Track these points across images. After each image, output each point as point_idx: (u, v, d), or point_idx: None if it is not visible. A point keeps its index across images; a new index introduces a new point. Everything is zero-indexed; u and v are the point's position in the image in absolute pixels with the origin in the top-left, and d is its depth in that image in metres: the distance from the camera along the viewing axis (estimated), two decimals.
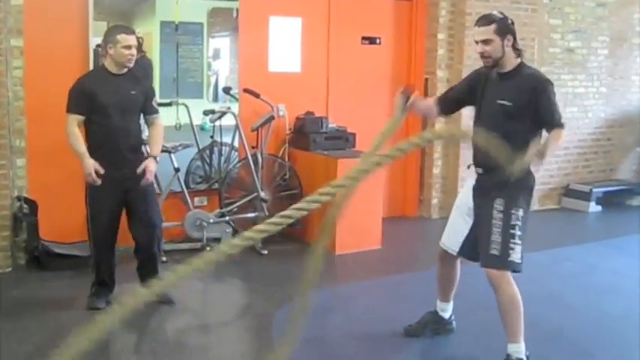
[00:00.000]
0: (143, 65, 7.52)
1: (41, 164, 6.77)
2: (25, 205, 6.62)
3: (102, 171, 5.30)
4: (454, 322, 5.28)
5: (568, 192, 10.22)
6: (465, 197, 4.84)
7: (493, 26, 4.47)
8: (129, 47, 5.34)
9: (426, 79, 9.13)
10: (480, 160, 4.63)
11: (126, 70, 5.45)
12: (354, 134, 8.04)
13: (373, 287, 6.55)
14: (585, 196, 10.00)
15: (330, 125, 8.03)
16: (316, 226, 7.63)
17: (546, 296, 6.19)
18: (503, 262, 4.48)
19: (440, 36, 8.97)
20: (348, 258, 7.29)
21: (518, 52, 4.55)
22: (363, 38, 8.81)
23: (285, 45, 8.13)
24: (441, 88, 8.94)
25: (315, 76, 8.36)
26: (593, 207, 9.96)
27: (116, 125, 5.38)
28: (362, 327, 5.50)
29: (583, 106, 10.31)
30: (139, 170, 5.42)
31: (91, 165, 5.28)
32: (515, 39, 4.52)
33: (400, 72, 9.14)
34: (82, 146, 5.33)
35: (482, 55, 4.54)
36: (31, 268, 6.56)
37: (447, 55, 9.06)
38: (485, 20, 4.54)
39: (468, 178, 4.97)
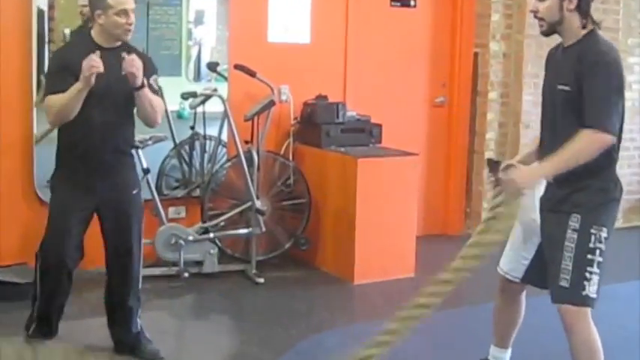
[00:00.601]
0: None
1: None
2: None
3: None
4: None
5: None
6: (528, 209, 4.79)
7: None
8: (125, 13, 5.09)
9: (476, 54, 9.11)
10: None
11: (119, 43, 5.24)
12: (379, 126, 8.03)
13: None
14: None
15: (349, 114, 8.02)
16: (328, 246, 7.65)
17: (632, 341, 6.14)
18: (575, 296, 4.43)
19: None
20: (371, 289, 7.28)
21: (587, 19, 4.49)
22: None
23: (291, 8, 8.13)
24: (495, 66, 8.95)
25: (329, 48, 8.36)
26: None
27: (98, 119, 5.18)
28: None
29: None
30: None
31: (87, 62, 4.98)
32: (582, 2, 4.46)
33: (441, 44, 9.13)
34: (63, 94, 5.03)
35: (535, 16, 4.54)
36: None
37: (503, 21, 9.04)
38: None
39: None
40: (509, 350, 5.17)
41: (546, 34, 4.54)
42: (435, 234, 8.98)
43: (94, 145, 5.22)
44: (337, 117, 7.89)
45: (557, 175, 4.52)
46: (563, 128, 4.41)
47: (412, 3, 8.85)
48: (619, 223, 9.45)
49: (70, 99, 4.99)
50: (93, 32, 5.22)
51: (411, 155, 7.72)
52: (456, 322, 6.55)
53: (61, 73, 5.11)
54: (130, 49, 5.26)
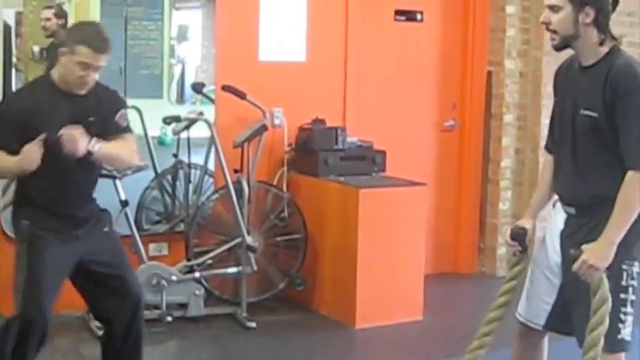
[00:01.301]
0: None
1: None
2: None
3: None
4: None
5: None
6: (547, 248, 4.76)
7: None
8: (86, 67, 4.99)
9: (489, 73, 9.12)
10: (570, 193, 4.58)
11: (86, 90, 5.17)
12: (383, 152, 8.03)
13: None
14: None
15: (349, 139, 8.02)
16: (326, 286, 7.63)
17: None
18: (611, 341, 4.36)
19: (509, 9, 8.98)
20: (373, 333, 7.27)
21: (606, 35, 4.44)
22: (398, 12, 8.83)
23: (284, 22, 8.13)
24: (510, 86, 8.95)
25: (327, 67, 8.36)
26: None
27: (65, 176, 5.15)
28: None
29: None
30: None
31: (28, 150, 4.96)
32: (599, 15, 4.43)
33: (451, 62, 9.15)
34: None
35: (547, 28, 4.49)
36: None
37: (519, 37, 9.06)
38: None
39: (550, 219, 4.86)
40: None
41: (558, 48, 4.50)
42: (445, 272, 8.98)
43: (66, 190, 5.21)
44: (336, 143, 7.88)
45: (580, 210, 4.50)
46: (585, 157, 4.40)
47: (419, 17, 8.88)
48: None
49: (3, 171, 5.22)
50: (55, 75, 5.15)
51: (418, 185, 7.71)
52: None
53: (6, 125, 5.06)
54: (96, 92, 5.27)
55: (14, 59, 7.30)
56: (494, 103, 9.13)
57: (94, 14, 7.54)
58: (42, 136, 4.96)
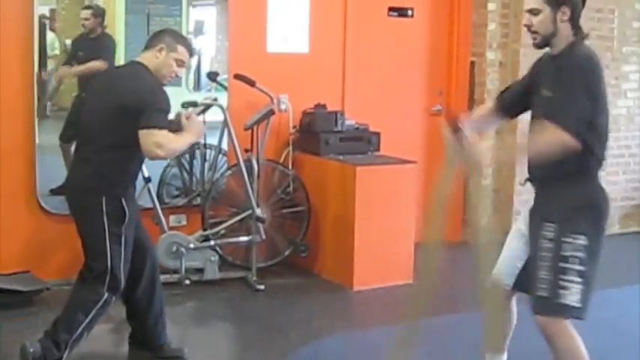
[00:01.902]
0: (102, 45, 7.56)
1: None
2: None
3: None
4: None
5: None
6: (523, 219, 4.82)
7: None
8: (181, 64, 5.36)
9: (472, 63, 9.14)
10: (533, 171, 4.65)
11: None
12: (378, 134, 8.05)
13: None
14: None
15: (348, 122, 8.05)
16: (327, 253, 7.67)
17: (632, 346, 6.15)
18: (552, 305, 4.41)
19: (491, 6, 8.98)
20: (369, 295, 7.29)
21: (577, 30, 4.52)
22: (391, 9, 8.80)
23: (289, 18, 8.15)
24: (491, 75, 8.97)
25: (327, 58, 8.38)
26: None
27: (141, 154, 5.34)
28: None
29: None
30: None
31: (197, 121, 5.43)
32: (574, 13, 4.50)
33: (438, 53, 9.16)
34: (180, 137, 5.23)
35: (528, 29, 4.55)
36: None
37: (499, 31, 9.06)
38: None
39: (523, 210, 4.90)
40: (505, 355, 5.10)
41: (540, 46, 4.56)
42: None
43: (138, 172, 5.55)
44: (336, 125, 7.91)
45: (538, 186, 4.56)
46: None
47: (409, 13, 8.86)
48: (615, 229, 9.53)
49: (184, 147, 5.45)
50: (148, 64, 5.27)
51: (409, 163, 7.73)
52: (452, 328, 6.56)
53: (168, 110, 5.18)
54: None
55: (49, 51, 7.32)
56: (477, 90, 9.14)
57: (120, 11, 7.55)
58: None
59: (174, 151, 5.28)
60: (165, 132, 5.03)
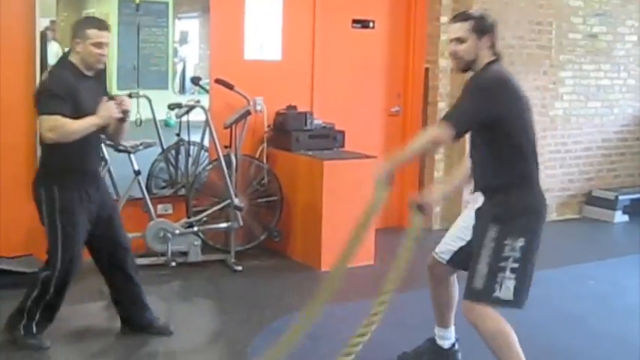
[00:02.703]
0: None
1: None
2: None
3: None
4: (458, 353, 5.18)
5: (591, 199, 10.27)
6: (466, 216, 4.81)
7: (469, 23, 4.46)
8: (99, 45, 5.09)
9: (427, 69, 9.16)
10: (477, 182, 4.67)
11: (93, 72, 5.26)
12: (342, 132, 8.07)
13: (364, 309, 6.52)
14: (610, 205, 10.06)
15: (316, 122, 8.06)
16: (298, 238, 7.68)
17: (565, 319, 6.21)
18: (484, 296, 4.43)
19: (443, 19, 8.97)
20: None
21: (496, 56, 4.52)
22: (354, 21, 8.84)
23: (264, 28, 8.15)
24: (443, 80, 9.01)
25: (298, 64, 8.39)
26: (620, 216, 10.02)
27: (93, 137, 5.20)
28: None
29: (608, 100, 10.37)
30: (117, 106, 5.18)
31: (106, 106, 5.10)
32: (494, 42, 4.50)
33: (397, 60, 9.18)
34: (79, 121, 5.01)
35: (454, 56, 4.54)
36: None
37: (451, 44, 9.06)
38: (461, 16, 4.58)
39: (472, 203, 4.84)
40: (452, 328, 5.13)
41: (463, 70, 4.56)
42: (391, 226, 8.98)
43: (91, 160, 5.29)
44: (305, 124, 7.92)
45: (485, 190, 4.57)
46: (479, 154, 4.58)
47: (371, 25, 8.90)
48: (553, 216, 9.59)
49: (86, 128, 5.02)
50: (73, 60, 5.18)
51: (370, 158, 7.74)
52: (409, 304, 6.58)
53: (64, 97, 5.01)
54: (96, 80, 5.42)
55: (50, 59, 7.29)
56: (431, 93, 9.15)
57: (113, 22, 7.50)
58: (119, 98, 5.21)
59: (70, 132, 4.97)
60: (56, 117, 4.94)
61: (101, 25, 5.18)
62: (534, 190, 4.51)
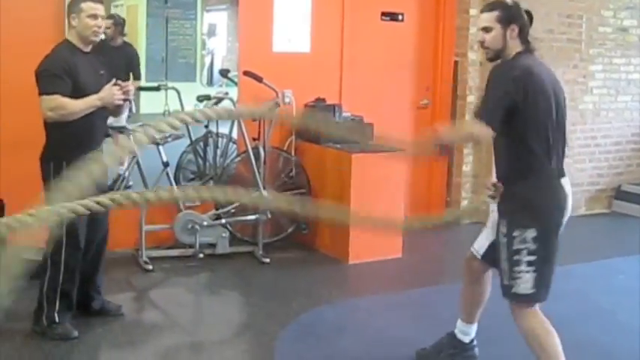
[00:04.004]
0: (126, 54, 7.52)
1: (9, 157, 6.77)
2: None
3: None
4: (476, 349, 5.17)
5: (620, 194, 10.19)
6: (496, 210, 4.78)
7: (495, 13, 4.46)
8: (94, 17, 5.16)
9: (456, 62, 9.11)
10: (497, 170, 4.65)
11: (91, 46, 5.32)
12: (371, 125, 8.02)
13: (391, 302, 6.54)
14: None
15: (344, 114, 8.02)
16: (325, 230, 7.66)
17: (595, 314, 6.17)
18: (509, 293, 4.45)
19: (472, 12, 8.92)
20: (362, 268, 7.28)
21: (526, 44, 4.49)
22: (383, 14, 8.79)
23: (293, 21, 8.11)
24: (472, 73, 8.96)
25: (326, 57, 8.34)
26: None
27: (95, 115, 5.24)
28: (375, 349, 5.46)
29: (638, 94, 10.27)
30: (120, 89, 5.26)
31: (108, 89, 5.17)
32: (522, 30, 4.47)
33: (426, 53, 9.14)
34: (79, 101, 5.10)
35: (482, 45, 4.55)
36: None
37: (479, 34, 9.02)
38: (489, 6, 4.57)
39: None
40: (475, 325, 5.10)
41: (492, 60, 4.55)
42: None
43: (95, 136, 5.28)
44: (334, 117, 7.88)
45: (503, 184, 4.54)
46: (498, 144, 4.56)
47: (400, 17, 8.85)
48: (582, 211, 9.54)
49: (83, 110, 5.10)
50: (70, 38, 5.28)
51: (398, 151, 7.71)
52: (436, 298, 6.56)
53: (62, 74, 5.09)
54: (98, 56, 5.49)
55: None
56: (460, 86, 9.10)
57: (142, 15, 7.56)
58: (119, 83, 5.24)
59: (69, 113, 5.08)
60: (55, 96, 5.05)
61: None
62: (542, 184, 4.44)
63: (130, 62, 7.50)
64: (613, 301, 6.55)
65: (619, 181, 10.23)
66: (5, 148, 6.71)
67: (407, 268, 7.45)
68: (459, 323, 5.13)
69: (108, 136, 6.41)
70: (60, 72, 5.09)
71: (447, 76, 9.15)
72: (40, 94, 5.11)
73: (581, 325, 5.63)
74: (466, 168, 9.17)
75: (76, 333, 5.33)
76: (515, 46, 4.45)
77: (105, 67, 5.48)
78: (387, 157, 7.56)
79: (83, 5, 5.14)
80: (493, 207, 4.75)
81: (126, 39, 7.52)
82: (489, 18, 4.47)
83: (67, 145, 5.14)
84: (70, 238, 5.20)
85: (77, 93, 5.11)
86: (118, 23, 7.43)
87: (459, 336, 5.13)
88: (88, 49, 5.29)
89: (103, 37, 7.25)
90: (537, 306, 4.45)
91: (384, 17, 8.78)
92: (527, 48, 4.49)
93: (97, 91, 5.19)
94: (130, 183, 7.02)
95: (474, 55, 8.97)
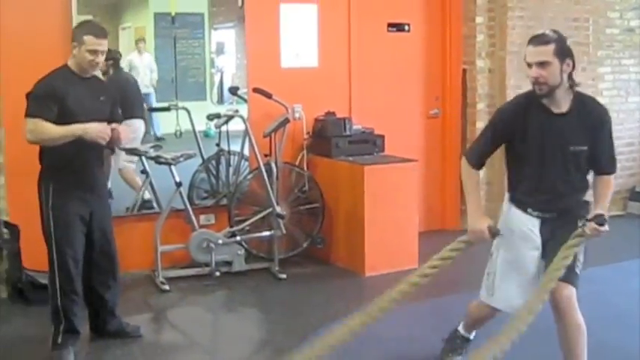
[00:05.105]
0: (119, 84, 7.44)
1: (23, 182, 6.73)
2: (6, 230, 6.61)
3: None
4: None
5: (634, 195, 10.14)
6: (517, 243, 4.70)
7: (552, 46, 4.29)
8: (94, 52, 5.16)
9: (464, 71, 9.09)
10: (555, 203, 4.58)
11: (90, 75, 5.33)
12: (382, 136, 8.01)
13: (409, 313, 6.49)
14: None
15: (355, 127, 8.00)
16: (341, 244, 7.64)
17: (613, 316, 6.12)
18: (569, 274, 4.39)
19: (478, 20, 8.93)
20: (379, 280, 7.23)
21: (572, 82, 4.41)
22: (390, 25, 8.79)
23: (300, 36, 8.11)
24: (481, 80, 8.93)
25: (335, 71, 8.33)
26: None
27: (86, 142, 5.17)
28: None
29: None
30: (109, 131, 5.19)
31: (94, 125, 5.11)
32: (574, 65, 4.38)
33: (433, 63, 9.11)
34: (60, 127, 5.06)
35: (537, 81, 4.34)
36: (15, 302, 6.54)
37: (487, 41, 9.02)
38: (542, 39, 4.35)
39: (511, 222, 4.76)
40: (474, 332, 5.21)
41: (545, 96, 4.37)
42: (434, 230, 8.93)
43: (87, 161, 5.27)
44: (345, 130, 7.88)
45: (560, 212, 4.58)
46: (572, 178, 4.53)
47: (406, 28, 8.85)
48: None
49: (62, 137, 5.07)
50: (69, 63, 5.28)
51: (410, 161, 7.70)
52: (454, 307, 6.52)
53: (47, 99, 5.09)
54: (101, 81, 5.59)
55: None
56: (469, 94, 9.08)
57: (150, 35, 7.56)
58: (113, 125, 5.21)
59: (47, 138, 5.09)
60: (36, 120, 5.06)
61: (100, 32, 5.24)
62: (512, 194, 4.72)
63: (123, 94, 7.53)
64: (631, 304, 6.50)
65: (633, 183, 10.18)
66: (15, 172, 6.71)
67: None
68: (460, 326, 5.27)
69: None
70: (46, 97, 5.10)
71: (455, 85, 9.12)
72: (25, 116, 5.13)
73: (600, 328, 5.57)
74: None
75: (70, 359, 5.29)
76: (566, 82, 4.38)
77: (108, 92, 5.49)
78: (399, 167, 7.55)
79: (86, 38, 5.14)
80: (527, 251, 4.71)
81: (133, 55, 7.58)
82: (546, 52, 4.28)
83: (56, 169, 5.22)
84: (61, 262, 5.24)
85: (65, 118, 5.09)
86: (110, 58, 7.36)
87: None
88: (87, 74, 5.30)
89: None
90: None
91: (390, 28, 8.77)
92: (574, 84, 4.43)
93: (91, 116, 5.18)
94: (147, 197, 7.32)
95: (482, 63, 8.96)
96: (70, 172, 5.23)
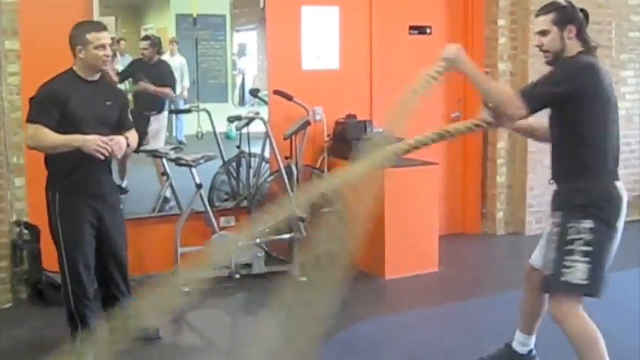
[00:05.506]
0: (160, 71, 7.55)
1: (43, 184, 6.74)
2: (26, 231, 6.63)
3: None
4: (537, 359, 5.08)
5: None
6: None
7: (551, 15, 4.46)
8: (102, 47, 5.12)
9: (486, 73, 9.04)
10: (552, 169, 4.62)
11: (98, 75, 5.28)
12: (403, 139, 7.97)
13: (430, 317, 6.48)
14: None
15: (375, 129, 7.97)
16: (360, 247, 7.59)
17: (635, 324, 6.07)
18: (555, 283, 4.37)
19: (500, 22, 8.90)
20: (399, 283, 7.23)
21: (585, 43, 4.48)
22: (411, 28, 8.78)
23: (321, 38, 8.11)
24: (503, 83, 8.88)
25: (356, 73, 8.33)
26: None
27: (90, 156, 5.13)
28: None
29: None
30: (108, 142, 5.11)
31: (93, 138, 5.02)
32: (580, 30, 4.46)
33: None
34: (59, 136, 5.02)
35: (540, 49, 4.55)
36: (34, 303, 6.57)
37: (509, 44, 8.99)
38: (543, 9, 4.54)
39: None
40: (534, 337, 5.02)
41: (552, 63, 4.52)
42: (455, 233, 8.92)
43: (91, 168, 5.19)
44: (365, 132, 7.85)
45: (556, 182, 4.58)
46: (555, 141, 4.59)
47: (428, 31, 8.83)
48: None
49: (61, 146, 5.04)
50: (75, 68, 5.21)
51: (431, 164, 7.67)
52: (475, 311, 6.50)
53: (49, 104, 5.06)
54: (109, 85, 5.57)
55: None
56: None
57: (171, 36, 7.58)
58: (110, 137, 5.11)
59: (46, 146, 5.08)
60: (37, 125, 5.03)
61: (98, 26, 5.24)
62: (599, 182, 4.47)
63: (164, 77, 7.55)
64: None
65: None
66: (35, 174, 6.67)
67: (444, 281, 7.39)
68: (518, 334, 5.06)
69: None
70: (47, 102, 5.07)
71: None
72: (26, 121, 5.14)
73: (623, 334, 5.54)
74: (500, 179, 9.10)
75: None
76: (574, 47, 4.45)
77: (115, 97, 5.44)
78: (419, 170, 7.53)
79: (89, 37, 5.10)
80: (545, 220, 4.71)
81: (165, 56, 7.60)
82: (545, 21, 4.48)
83: (60, 176, 5.20)
84: (72, 269, 5.24)
85: (68, 122, 5.06)
86: (155, 44, 7.49)
87: (517, 347, 5.05)
88: (94, 77, 5.24)
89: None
90: (581, 308, 4.39)
91: (412, 31, 8.76)
92: (588, 47, 4.48)
93: (97, 121, 5.17)
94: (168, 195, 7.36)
95: (504, 66, 8.93)
96: (74, 180, 5.18)
